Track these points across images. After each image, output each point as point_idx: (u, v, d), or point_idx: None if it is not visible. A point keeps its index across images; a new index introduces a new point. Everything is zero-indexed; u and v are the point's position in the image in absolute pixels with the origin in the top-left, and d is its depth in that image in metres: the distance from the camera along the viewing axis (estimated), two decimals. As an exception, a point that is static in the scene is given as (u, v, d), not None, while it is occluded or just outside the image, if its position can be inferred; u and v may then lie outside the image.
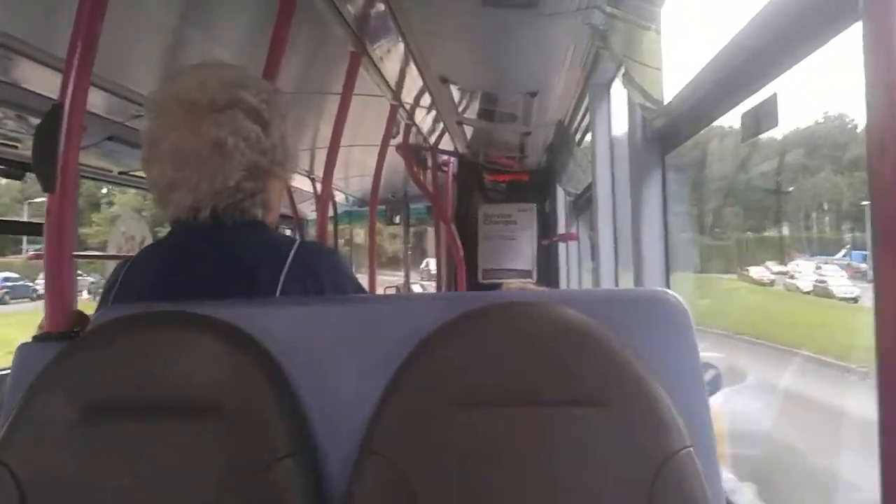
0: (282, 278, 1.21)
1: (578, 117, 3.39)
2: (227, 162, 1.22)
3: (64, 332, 1.22)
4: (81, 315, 1.30)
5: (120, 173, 3.86)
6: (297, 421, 1.04)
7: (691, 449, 0.97)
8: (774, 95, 1.37)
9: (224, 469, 1.01)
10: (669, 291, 1.08)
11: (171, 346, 1.06)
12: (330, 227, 6.46)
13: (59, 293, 1.25)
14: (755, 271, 4.37)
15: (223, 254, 1.24)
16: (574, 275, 5.38)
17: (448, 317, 1.04)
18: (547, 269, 5.48)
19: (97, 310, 1.25)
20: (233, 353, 1.05)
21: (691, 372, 1.03)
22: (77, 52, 1.26)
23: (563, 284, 5.38)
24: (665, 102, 1.96)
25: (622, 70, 2.23)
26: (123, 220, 5.28)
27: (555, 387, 1.00)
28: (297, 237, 6.51)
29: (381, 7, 2.30)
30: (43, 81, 2.26)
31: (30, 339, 1.19)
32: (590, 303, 1.05)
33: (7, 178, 3.23)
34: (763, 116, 1.40)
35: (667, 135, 2.08)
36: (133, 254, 1.36)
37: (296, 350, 1.08)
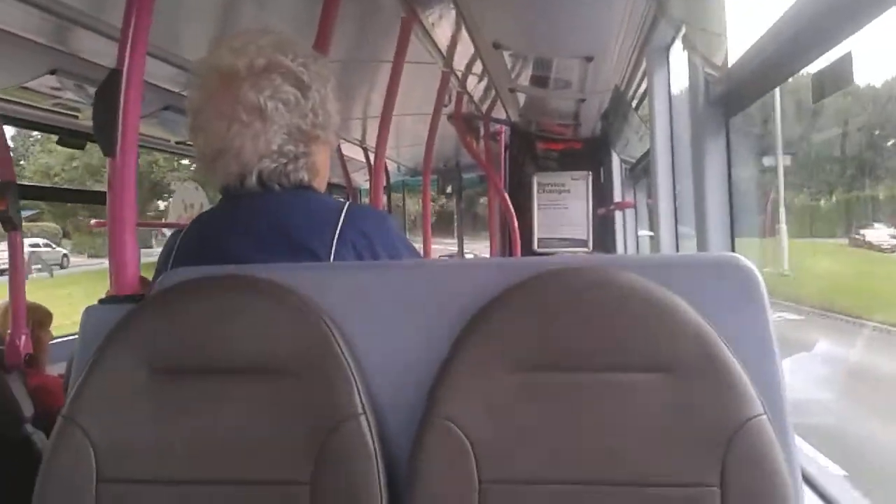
0: (334, 241, 1.22)
1: (635, 83, 3.31)
2: (268, 125, 1.23)
3: (129, 296, 1.24)
4: (144, 280, 1.33)
5: (177, 143, 3.94)
6: (363, 383, 1.04)
7: (765, 417, 0.95)
8: (849, 54, 1.30)
9: (291, 430, 1.03)
10: (739, 256, 1.04)
11: (234, 309, 1.08)
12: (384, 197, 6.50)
13: (124, 258, 1.28)
14: (873, 235, 3.66)
15: (273, 218, 1.25)
16: (631, 243, 5.31)
17: (504, 283, 1.03)
18: (603, 239, 5.41)
19: (154, 277, 1.27)
20: (295, 316, 1.06)
21: (763, 338, 0.99)
22: (133, 18, 1.27)
23: (620, 252, 5.32)
24: (729, 65, 1.89)
25: (682, 33, 2.16)
26: (182, 190, 5.40)
27: (620, 352, 0.98)
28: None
29: (434, -30, 2.27)
30: (100, 50, 2.30)
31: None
32: (654, 268, 1.03)
33: (67, 147, 3.31)
34: (837, 76, 1.33)
35: (731, 98, 2.01)
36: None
37: (354, 314, 1.09)
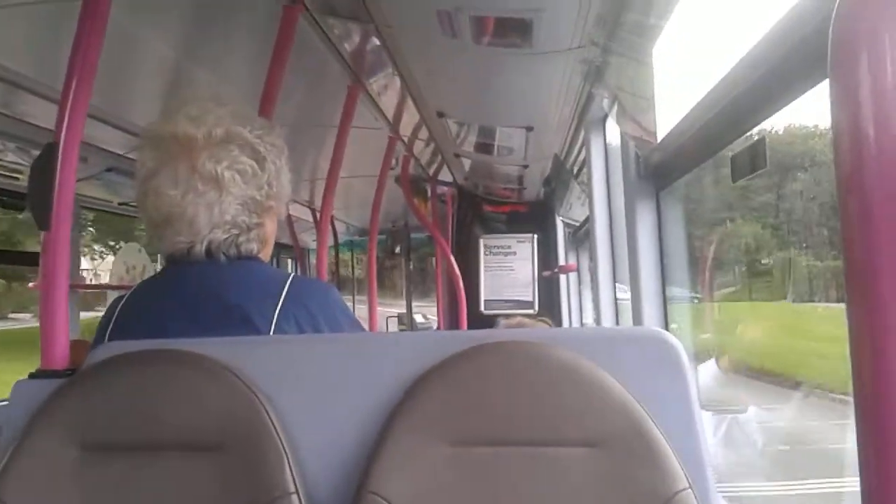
0: (276, 315, 1.22)
1: (575, 151, 3.41)
2: (223, 195, 1.24)
3: (60, 371, 1.22)
4: (80, 345, 1.31)
5: (120, 204, 3.90)
6: (295, 460, 1.04)
7: (689, 490, 0.97)
8: (763, 139, 1.38)
9: None
10: (663, 331, 1.08)
11: (168, 384, 1.07)
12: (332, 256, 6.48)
13: (55, 328, 1.26)
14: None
15: (215, 290, 1.24)
16: (575, 305, 5.38)
17: (443, 355, 1.05)
18: (549, 300, 5.47)
19: (93, 344, 1.26)
20: (227, 392, 1.06)
21: (687, 410, 1.02)
22: (72, 87, 1.27)
23: (564, 315, 5.38)
24: (659, 139, 1.97)
25: (615, 106, 2.25)
26: (125, 252, 5.31)
27: (549, 427, 1.00)
28: (297, 267, 6.50)
29: (377, 43, 2.34)
30: (43, 114, 2.29)
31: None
32: (583, 342, 1.06)
33: (9, 209, 3.25)
34: (752, 158, 1.41)
35: (661, 170, 2.09)
36: (134, 283, 1.36)
37: (291, 389, 1.08)
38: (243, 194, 1.26)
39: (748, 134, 1.48)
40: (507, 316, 5.15)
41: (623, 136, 2.28)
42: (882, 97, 0.63)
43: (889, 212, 0.63)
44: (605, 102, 2.38)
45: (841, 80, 0.65)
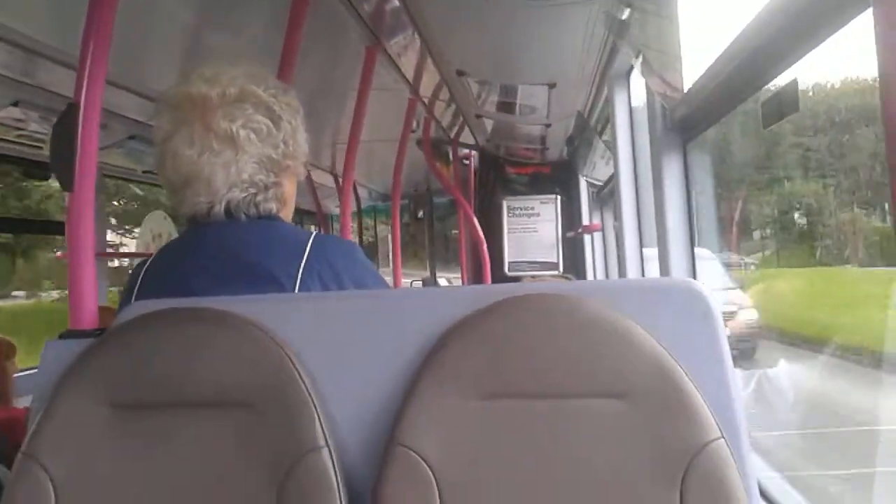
0: (300, 273, 1.22)
1: (598, 107, 3.36)
2: (239, 154, 1.24)
3: (89, 330, 1.24)
4: (108, 310, 1.32)
5: (144, 172, 3.92)
6: (325, 415, 1.04)
7: (722, 440, 0.96)
8: (795, 81, 1.34)
9: (254, 463, 1.02)
10: (693, 280, 1.06)
11: (195, 342, 1.07)
12: (354, 223, 6.49)
13: (82, 292, 1.27)
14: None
15: (238, 249, 1.25)
16: (600, 265, 5.36)
17: (469, 310, 1.04)
18: (573, 261, 5.45)
19: (119, 308, 1.27)
20: (256, 349, 1.06)
21: (719, 361, 1.01)
22: (90, 50, 1.27)
23: (589, 275, 5.36)
24: (685, 91, 1.93)
25: (640, 59, 2.21)
26: (150, 219, 5.36)
27: (579, 379, 0.99)
28: (321, 232, 6.55)
29: (396, 2, 2.30)
30: (63, 81, 2.30)
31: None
32: (612, 293, 1.04)
33: (32, 178, 3.29)
34: (784, 103, 1.38)
35: (688, 123, 2.05)
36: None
37: (318, 345, 1.09)
38: (259, 153, 1.25)
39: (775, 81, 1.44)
40: (533, 277, 5.16)
41: (648, 89, 2.24)
42: None
43: None
44: (630, 56, 2.34)
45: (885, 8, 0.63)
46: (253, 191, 1.27)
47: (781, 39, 1.32)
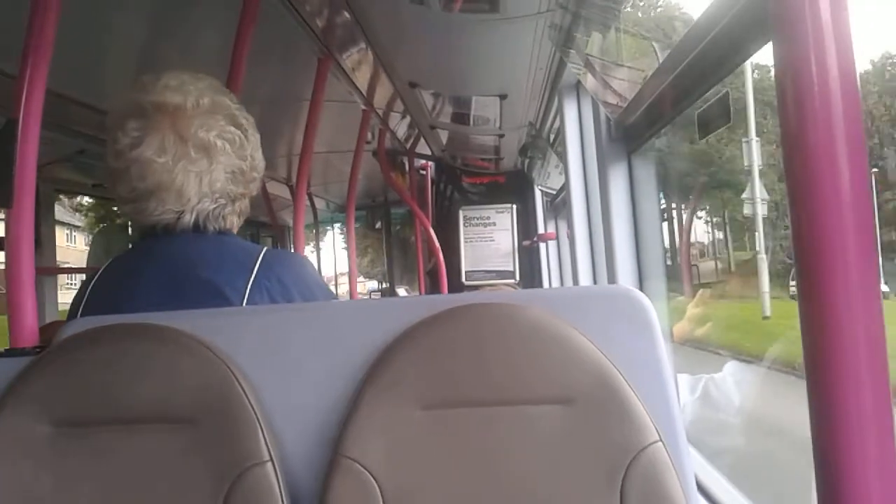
0: (248, 288, 1.22)
1: (550, 118, 3.41)
2: (214, 165, 1.24)
3: (29, 348, 1.22)
4: (56, 327, 1.30)
5: (94, 186, 3.86)
6: (269, 428, 1.04)
7: (660, 443, 0.98)
8: (727, 94, 1.39)
9: (198, 478, 1.02)
10: (633, 289, 1.08)
11: (139, 358, 1.06)
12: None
13: (22, 309, 1.26)
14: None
15: (188, 264, 1.24)
16: (555, 273, 5.41)
17: (415, 320, 1.05)
18: (530, 269, 5.50)
19: (66, 322, 1.25)
20: (198, 363, 1.06)
21: (656, 365, 1.03)
22: (29, 64, 1.26)
23: (545, 283, 5.40)
24: (627, 102, 1.98)
25: (586, 70, 2.25)
26: (103, 232, 5.28)
27: (521, 386, 1.01)
28: (277, 246, 6.50)
29: (347, 15, 2.32)
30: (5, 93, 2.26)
31: None
32: (555, 301, 1.06)
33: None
34: (717, 114, 1.42)
35: (631, 132, 2.10)
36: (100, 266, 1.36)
37: (262, 359, 1.08)
38: (231, 164, 1.26)
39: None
40: (491, 287, 5.19)
41: (594, 100, 2.29)
42: (822, 57, 0.64)
43: (832, 172, 0.64)
44: (575, 67, 2.38)
45: (782, 42, 0.66)
46: (223, 202, 1.27)
47: (714, 53, 1.37)
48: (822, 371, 0.69)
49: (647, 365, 1.03)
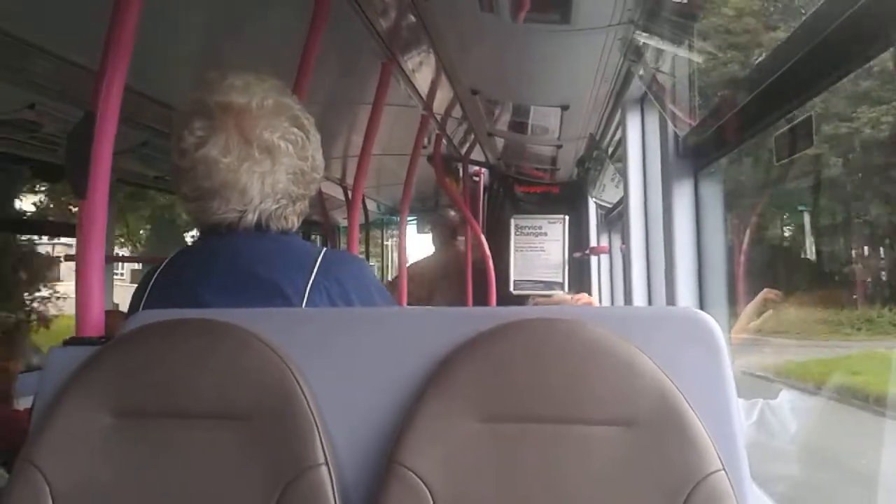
0: (308, 288, 1.23)
1: (610, 131, 3.37)
2: (277, 166, 1.25)
3: (94, 338, 1.24)
4: (116, 316, 1.32)
5: (155, 178, 3.94)
6: (325, 431, 1.04)
7: (722, 472, 0.95)
8: (810, 117, 1.35)
9: (252, 477, 1.02)
10: (699, 311, 1.06)
11: (200, 353, 1.07)
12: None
13: (90, 299, 1.27)
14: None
15: (249, 261, 1.25)
16: (606, 288, 5.35)
17: (473, 331, 1.04)
18: (579, 282, 5.44)
19: (128, 314, 1.27)
20: (259, 363, 1.06)
21: (722, 392, 1.00)
22: (109, 59, 1.28)
23: (595, 297, 5.34)
24: (697, 119, 1.94)
25: (654, 85, 2.21)
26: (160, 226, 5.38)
27: (579, 405, 0.99)
28: (328, 245, 6.57)
29: (413, 19, 2.32)
30: (80, 86, 2.31)
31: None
32: (615, 320, 1.04)
33: (46, 180, 3.31)
34: (797, 138, 1.38)
35: (700, 151, 2.06)
36: (167, 256, 1.37)
37: (321, 361, 1.08)
38: (293, 165, 1.27)
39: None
40: (543, 296, 5.14)
41: (661, 115, 2.25)
42: None
43: None
44: (644, 81, 2.34)
45: None
46: (284, 202, 1.28)
47: (798, 73, 1.32)
48: None
49: (713, 391, 1.00)
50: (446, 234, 5.06)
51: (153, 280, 1.31)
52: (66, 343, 1.21)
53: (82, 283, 1.27)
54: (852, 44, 1.11)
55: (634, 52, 2.19)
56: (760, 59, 1.48)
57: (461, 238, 5.12)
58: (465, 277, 4.89)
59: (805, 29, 1.24)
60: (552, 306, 1.44)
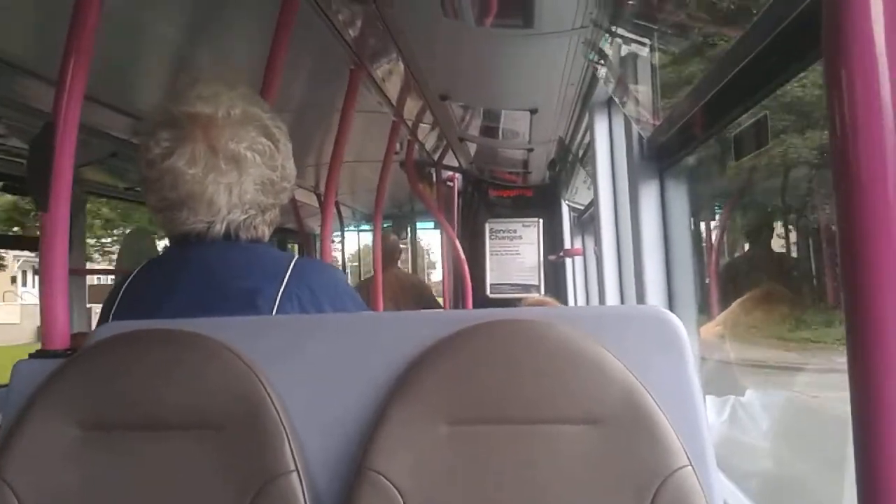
0: (278, 296, 1.22)
1: (580, 133, 3.40)
2: (244, 176, 1.24)
3: (60, 350, 1.23)
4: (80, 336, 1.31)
5: (125, 189, 3.91)
6: (295, 438, 1.04)
7: (689, 467, 0.96)
8: (765, 116, 1.37)
9: (222, 486, 1.02)
10: (664, 310, 1.07)
11: (168, 364, 1.07)
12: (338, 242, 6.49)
13: (55, 311, 1.27)
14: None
15: (219, 271, 1.25)
16: (581, 289, 5.38)
17: (442, 334, 1.05)
18: (555, 284, 5.47)
19: (97, 325, 1.26)
20: (226, 371, 1.06)
21: (687, 388, 1.01)
22: (69, 68, 1.27)
23: (570, 298, 5.37)
24: (660, 120, 1.96)
25: (619, 87, 2.24)
26: (131, 237, 5.34)
27: (548, 405, 1.00)
28: (303, 253, 6.54)
29: (380, 26, 2.33)
30: (45, 97, 2.29)
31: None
32: (582, 320, 1.05)
33: (12, 193, 3.26)
34: (754, 136, 1.40)
35: (664, 151, 2.08)
36: (133, 269, 1.36)
37: (290, 368, 1.08)
38: (261, 175, 1.26)
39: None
40: (520, 300, 5.16)
41: (626, 117, 2.27)
42: (873, 77, 0.63)
43: (881, 197, 0.63)
44: (608, 84, 2.37)
45: (832, 60, 0.65)
46: (253, 212, 1.27)
47: (753, 74, 1.35)
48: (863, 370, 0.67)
49: (678, 387, 1.01)
50: (385, 257, 4.99)
51: (122, 291, 1.30)
52: (32, 356, 1.20)
53: (47, 296, 1.26)
54: (808, 38, 1.13)
55: (598, 55, 2.21)
56: (719, 58, 1.50)
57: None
58: (398, 298, 4.84)
59: (759, 27, 1.26)
60: (519, 308, 1.44)
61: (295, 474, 1.02)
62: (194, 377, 1.06)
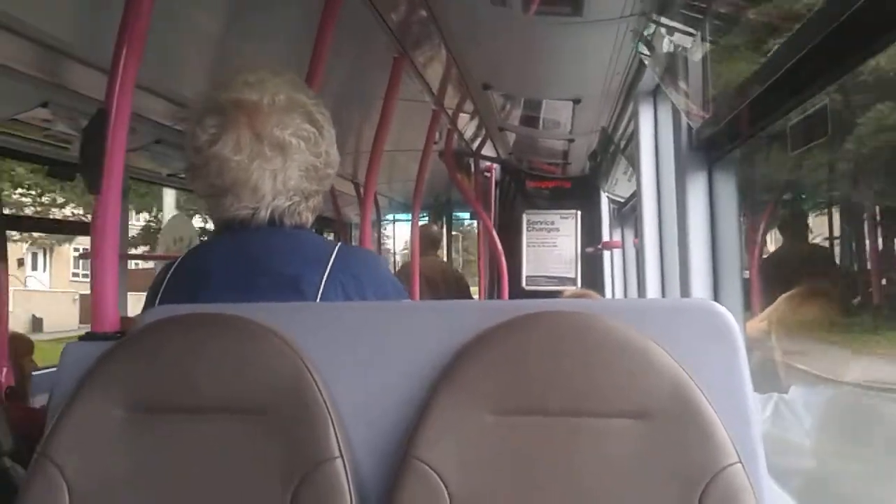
0: (322, 283, 1.22)
1: (623, 124, 3.35)
2: (288, 162, 1.25)
3: (110, 333, 1.24)
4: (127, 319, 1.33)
5: (168, 175, 3.96)
6: (340, 425, 1.04)
7: (739, 465, 0.94)
8: (825, 106, 1.33)
9: (267, 471, 1.03)
10: (715, 303, 1.05)
11: (214, 348, 1.08)
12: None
13: (105, 295, 1.28)
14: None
15: (264, 257, 1.25)
16: (619, 283, 5.33)
17: (487, 325, 1.04)
18: (592, 277, 5.43)
19: (143, 310, 1.27)
20: (273, 357, 1.06)
21: (738, 384, 0.99)
22: (122, 56, 1.29)
23: (608, 292, 5.33)
24: (711, 110, 1.92)
25: (666, 77, 2.20)
26: (172, 223, 5.42)
27: (594, 398, 0.98)
28: (341, 240, 6.61)
29: (424, 14, 2.31)
30: (92, 84, 2.32)
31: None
32: (630, 312, 1.03)
33: (58, 178, 3.32)
34: (812, 128, 1.36)
35: (714, 143, 2.04)
36: (180, 254, 1.38)
37: (336, 354, 1.08)
38: (305, 161, 1.27)
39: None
40: (557, 293, 5.14)
41: (674, 107, 2.23)
42: None
43: None
44: (656, 73, 2.33)
45: None
46: (297, 199, 1.28)
47: (812, 62, 1.31)
48: None
49: (729, 383, 0.99)
50: (426, 245, 5.11)
51: (168, 276, 1.32)
52: (82, 339, 1.22)
53: (97, 280, 1.28)
54: (867, 30, 1.10)
55: (646, 44, 2.17)
56: (775, 48, 1.46)
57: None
58: (439, 284, 4.87)
59: (819, 15, 1.22)
60: (566, 300, 1.43)
61: (340, 461, 1.02)
62: (241, 361, 1.06)
